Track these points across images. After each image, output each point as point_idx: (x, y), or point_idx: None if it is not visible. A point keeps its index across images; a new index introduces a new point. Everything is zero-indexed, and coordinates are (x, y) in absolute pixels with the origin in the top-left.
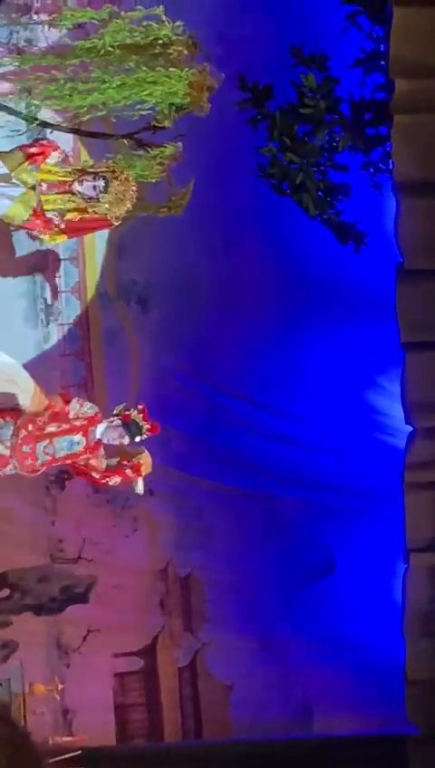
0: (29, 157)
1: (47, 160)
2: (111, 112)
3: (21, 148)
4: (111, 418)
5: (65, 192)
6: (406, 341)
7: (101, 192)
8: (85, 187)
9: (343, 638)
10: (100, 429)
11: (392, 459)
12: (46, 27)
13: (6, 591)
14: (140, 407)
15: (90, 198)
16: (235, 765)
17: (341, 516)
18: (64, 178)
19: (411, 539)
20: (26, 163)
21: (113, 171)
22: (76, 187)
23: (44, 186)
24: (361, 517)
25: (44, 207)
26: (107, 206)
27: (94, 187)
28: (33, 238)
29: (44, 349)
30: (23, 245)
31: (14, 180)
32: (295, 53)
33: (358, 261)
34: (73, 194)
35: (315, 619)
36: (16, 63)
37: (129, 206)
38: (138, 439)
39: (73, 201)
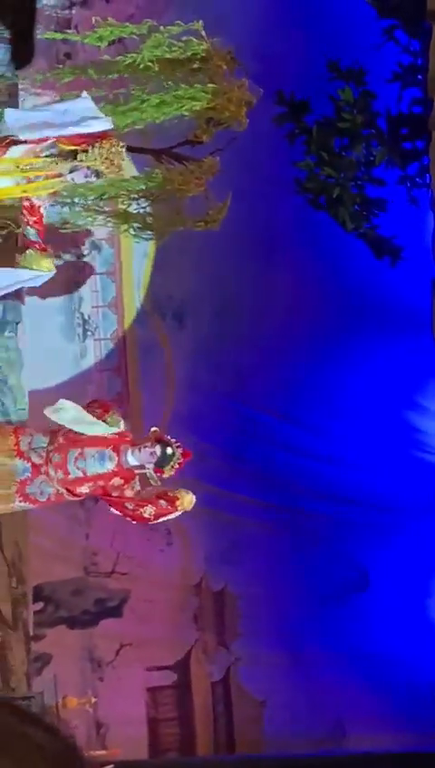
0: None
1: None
2: (150, 125)
3: None
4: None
5: (56, 176)
6: None
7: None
8: (78, 180)
9: (376, 655)
10: (131, 455)
11: (428, 475)
12: (85, 41)
13: (40, 604)
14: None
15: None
16: None
17: (375, 533)
18: (52, 169)
19: None
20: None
21: (105, 162)
22: (68, 179)
23: (31, 175)
24: (395, 533)
25: (36, 194)
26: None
27: (87, 182)
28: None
29: (81, 363)
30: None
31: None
32: (333, 68)
33: (394, 276)
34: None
35: (349, 634)
36: (54, 78)
37: (121, 168)
38: (170, 450)
39: (65, 182)
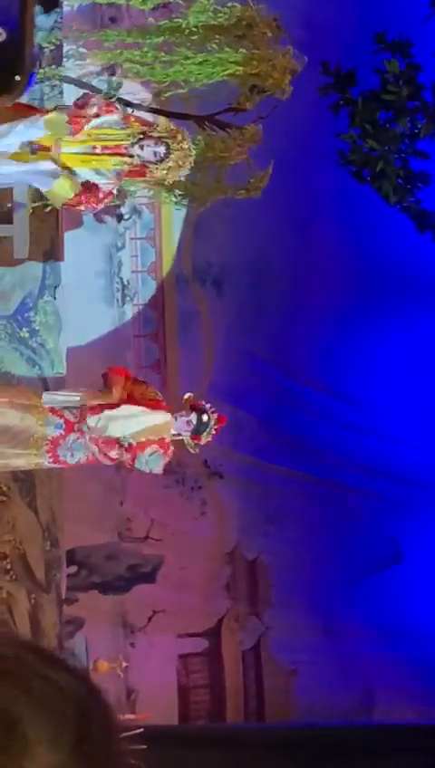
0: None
1: (101, 121)
2: (192, 92)
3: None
4: (181, 412)
5: (120, 154)
6: None
7: (161, 158)
8: (146, 151)
9: (408, 629)
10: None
11: None
12: (130, 4)
13: (74, 568)
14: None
15: (149, 163)
16: (296, 750)
17: (411, 508)
18: (121, 141)
19: None
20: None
21: (174, 136)
22: (136, 150)
23: (99, 147)
24: (431, 509)
25: (96, 167)
26: (165, 171)
27: (155, 153)
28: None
29: (119, 328)
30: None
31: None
32: (379, 39)
33: None
34: (130, 156)
35: (381, 608)
36: (99, 38)
37: (186, 172)
38: (205, 417)
39: (128, 163)
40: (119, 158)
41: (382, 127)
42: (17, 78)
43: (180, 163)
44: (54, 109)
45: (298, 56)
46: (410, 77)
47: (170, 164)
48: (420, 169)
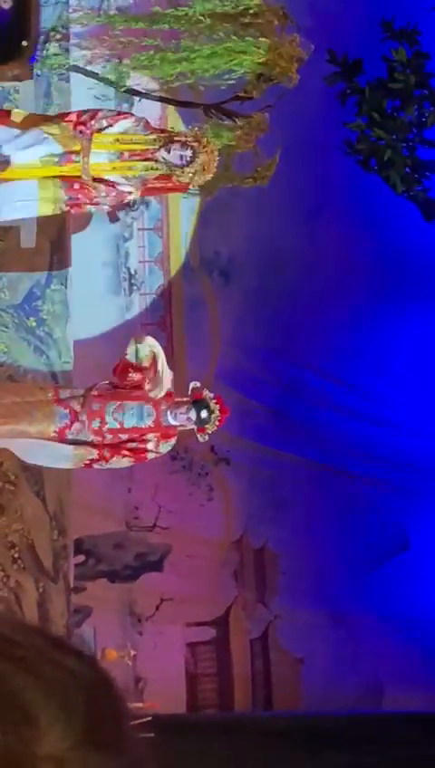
0: (75, 126)
1: (123, 128)
2: (199, 81)
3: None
4: (183, 400)
5: (147, 159)
6: None
7: (187, 161)
8: (173, 155)
9: (415, 617)
10: (170, 415)
11: None
12: None
13: (82, 557)
14: (213, 394)
15: (175, 166)
16: (304, 738)
17: (417, 496)
18: (148, 146)
19: None
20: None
21: (199, 141)
22: (162, 154)
23: (126, 154)
24: None
25: (124, 173)
26: (191, 174)
27: (181, 156)
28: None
29: (126, 318)
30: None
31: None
32: (386, 27)
33: None
34: (156, 161)
35: (388, 596)
36: (106, 22)
37: (211, 176)
38: (204, 414)
39: (156, 168)
40: (146, 164)
41: (390, 116)
42: (24, 43)
43: (206, 167)
44: (56, 119)
45: (305, 44)
46: (418, 65)
47: (196, 168)
48: (427, 158)
